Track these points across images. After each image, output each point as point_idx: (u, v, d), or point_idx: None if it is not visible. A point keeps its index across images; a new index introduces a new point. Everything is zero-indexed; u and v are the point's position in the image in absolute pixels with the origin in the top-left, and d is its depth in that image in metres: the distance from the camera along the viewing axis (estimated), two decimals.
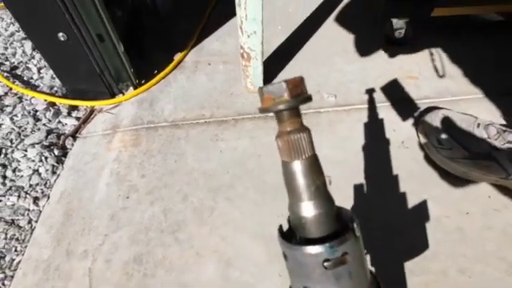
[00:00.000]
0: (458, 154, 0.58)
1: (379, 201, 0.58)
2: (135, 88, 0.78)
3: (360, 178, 0.62)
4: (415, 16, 0.86)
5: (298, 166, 0.18)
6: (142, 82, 0.81)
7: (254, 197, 0.59)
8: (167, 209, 0.57)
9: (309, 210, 0.18)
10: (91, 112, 0.75)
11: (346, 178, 0.62)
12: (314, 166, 0.18)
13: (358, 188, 0.61)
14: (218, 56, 0.89)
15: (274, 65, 0.87)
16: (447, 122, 0.63)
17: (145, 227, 0.55)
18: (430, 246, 0.52)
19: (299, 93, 0.18)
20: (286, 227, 0.22)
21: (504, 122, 0.71)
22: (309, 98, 0.18)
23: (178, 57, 0.87)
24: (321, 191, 0.18)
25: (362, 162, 0.64)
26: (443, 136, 0.61)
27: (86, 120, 0.73)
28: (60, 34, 0.63)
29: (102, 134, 0.70)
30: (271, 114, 0.67)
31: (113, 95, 0.78)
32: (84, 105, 0.76)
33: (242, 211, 0.57)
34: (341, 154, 0.66)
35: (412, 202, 0.58)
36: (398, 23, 0.89)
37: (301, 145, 0.17)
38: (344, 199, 0.58)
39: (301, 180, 0.18)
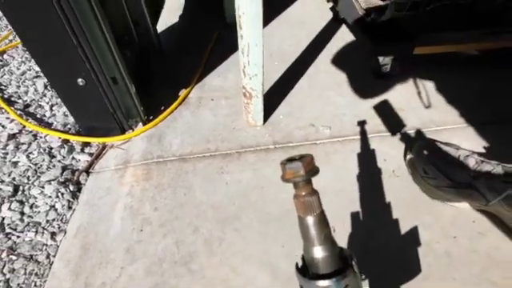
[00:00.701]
0: (443, 183, 0.64)
1: (374, 227, 0.63)
2: (144, 124, 0.84)
3: (356, 207, 0.67)
4: (398, 54, 0.95)
5: (310, 220, 0.24)
6: (150, 118, 0.87)
7: (259, 227, 0.64)
8: (179, 240, 0.61)
9: (319, 252, 0.24)
10: (103, 148, 0.80)
11: (343, 206, 0.67)
12: (322, 220, 0.24)
13: (354, 216, 0.66)
14: (220, 92, 0.96)
15: (272, 99, 0.94)
16: (432, 152, 0.70)
17: (159, 259, 0.59)
18: (423, 269, 0.57)
19: (311, 168, 0.23)
20: (299, 263, 0.27)
21: (484, 151, 0.78)
22: (317, 172, 0.24)
23: (182, 93, 0.94)
24: (327, 238, 0.24)
25: (357, 191, 0.70)
26: (428, 166, 0.67)
27: (98, 156, 0.78)
28: (79, 80, 0.69)
29: (115, 169, 0.75)
30: (272, 147, 0.73)
31: (123, 131, 0.83)
32: (96, 141, 0.81)
33: (249, 241, 0.61)
34: (338, 184, 0.71)
35: (404, 227, 0.63)
36: (384, 60, 0.98)
37: (312, 205, 0.23)
38: (343, 227, 0.63)
39: (312, 230, 0.24)
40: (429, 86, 0.98)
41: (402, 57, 0.97)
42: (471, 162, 0.64)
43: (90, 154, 0.79)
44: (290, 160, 0.23)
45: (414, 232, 0.62)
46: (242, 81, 0.76)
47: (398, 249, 0.60)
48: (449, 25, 1.01)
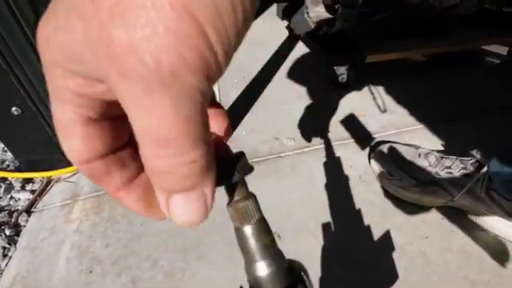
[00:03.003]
0: (408, 183, 0.63)
1: (347, 236, 0.60)
2: None
3: (327, 217, 0.64)
4: (351, 63, 0.98)
5: (248, 230, 0.19)
6: None
7: (225, 251, 0.58)
8: (136, 277, 0.54)
9: (262, 269, 0.19)
10: (48, 183, 0.72)
11: (313, 217, 0.64)
12: (262, 228, 0.20)
13: (326, 227, 0.63)
14: None
15: (234, 116, 0.91)
16: (394, 154, 0.70)
17: None
18: (400, 274, 0.54)
19: (242, 166, 0.20)
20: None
21: (442, 148, 0.80)
22: (251, 170, 0.20)
23: None
24: (270, 249, 0.20)
25: (326, 201, 0.67)
26: (392, 168, 0.67)
27: (41, 192, 0.70)
28: (13, 109, 0.63)
29: (61, 205, 0.67)
30: None
31: (71, 163, 0.75)
32: (40, 176, 0.73)
33: (214, 268, 0.56)
34: (306, 195, 0.68)
35: (377, 233, 0.61)
36: (339, 69, 1.00)
37: (248, 211, 0.19)
38: (315, 239, 0.60)
39: (252, 242, 0.19)
40: (385, 92, 1.01)
41: (357, 66, 1.00)
42: (432, 160, 0.64)
43: (33, 192, 0.70)
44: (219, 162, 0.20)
45: (386, 236, 0.60)
46: None
47: (373, 255, 0.57)
48: (396, 34, 1.07)
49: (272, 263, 0.20)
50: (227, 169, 0.20)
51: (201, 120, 0.10)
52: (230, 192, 0.20)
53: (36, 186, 0.72)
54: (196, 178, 0.11)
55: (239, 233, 0.20)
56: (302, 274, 0.21)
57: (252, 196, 0.20)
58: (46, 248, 0.60)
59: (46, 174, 0.73)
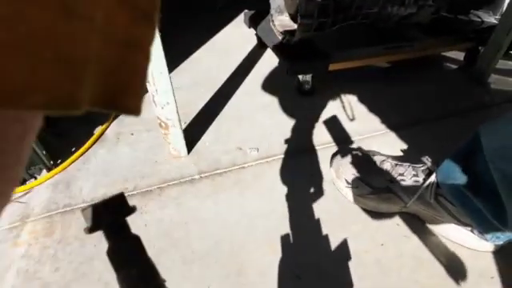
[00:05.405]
0: (364, 190, 0.64)
1: (305, 246, 0.61)
2: (49, 170, 0.74)
3: (286, 228, 0.64)
4: (314, 72, 0.99)
5: (131, 273, 0.19)
6: (58, 161, 0.77)
7: (182, 269, 0.57)
8: None
9: None
10: None
11: (274, 229, 0.64)
12: (146, 270, 0.20)
13: (284, 238, 0.63)
14: (141, 125, 0.90)
15: (198, 126, 0.90)
16: (352, 163, 0.71)
17: None
18: (354, 282, 0.55)
19: (120, 209, 0.19)
20: None
21: (401, 154, 0.82)
22: (132, 210, 0.20)
23: (97, 131, 0.86)
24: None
25: (286, 211, 0.67)
26: (350, 176, 0.68)
27: None
28: None
29: (8, 229, 0.63)
30: (197, 177, 0.67)
31: (23, 182, 0.72)
32: None
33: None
34: (267, 205, 0.68)
35: (334, 242, 0.62)
36: (303, 78, 1.01)
37: (128, 255, 0.19)
38: (273, 250, 0.60)
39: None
40: (350, 99, 1.03)
41: (320, 74, 1.01)
42: (387, 167, 0.65)
43: None
44: (95, 205, 0.20)
45: (343, 245, 0.61)
46: (155, 111, 0.71)
47: (330, 265, 0.57)
48: (357, 42, 1.09)
49: None
50: (102, 212, 0.19)
51: None
52: (109, 236, 0.19)
53: None
54: None
55: (119, 275, 0.19)
56: None
57: (135, 237, 0.20)
58: None
59: None
